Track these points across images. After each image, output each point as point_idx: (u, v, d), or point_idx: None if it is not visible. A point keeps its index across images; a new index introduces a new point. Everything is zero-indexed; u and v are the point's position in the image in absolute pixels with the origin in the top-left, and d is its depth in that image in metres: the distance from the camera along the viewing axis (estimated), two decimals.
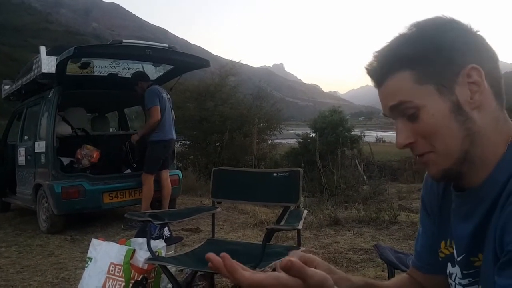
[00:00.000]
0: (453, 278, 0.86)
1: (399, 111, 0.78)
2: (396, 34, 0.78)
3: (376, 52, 0.80)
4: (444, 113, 0.74)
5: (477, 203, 0.77)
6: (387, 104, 0.80)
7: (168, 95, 5.37)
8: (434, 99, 0.75)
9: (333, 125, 12.08)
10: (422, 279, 0.99)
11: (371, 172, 9.26)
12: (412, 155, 0.82)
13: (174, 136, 5.41)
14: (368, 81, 0.82)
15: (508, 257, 0.64)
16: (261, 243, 2.24)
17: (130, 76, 5.87)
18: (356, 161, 9.22)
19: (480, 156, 0.75)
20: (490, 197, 0.73)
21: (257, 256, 2.18)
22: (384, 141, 30.65)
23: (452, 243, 0.87)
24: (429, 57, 0.74)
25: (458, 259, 0.83)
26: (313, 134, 12.41)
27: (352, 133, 12.86)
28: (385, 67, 0.78)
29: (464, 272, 0.82)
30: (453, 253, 0.86)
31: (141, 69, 5.67)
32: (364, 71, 0.83)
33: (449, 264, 0.88)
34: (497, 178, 0.73)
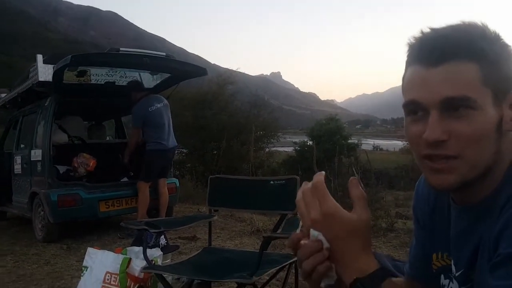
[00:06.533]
0: None
1: (451, 105, 0.70)
2: (479, 23, 0.72)
3: (450, 26, 0.72)
4: (491, 123, 0.71)
5: (476, 220, 0.76)
6: (441, 92, 0.70)
7: (165, 102, 5.33)
8: (490, 106, 0.70)
9: (330, 133, 12.10)
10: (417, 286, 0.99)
11: (368, 179, 9.27)
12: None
13: (173, 144, 5.37)
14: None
15: (500, 258, 0.64)
16: (258, 251, 2.23)
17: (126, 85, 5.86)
18: (353, 169, 9.21)
19: (493, 175, 0.75)
20: (489, 215, 0.73)
21: (254, 264, 2.17)
22: (381, 149, 30.74)
23: (444, 256, 0.86)
24: (499, 62, 0.71)
25: (457, 274, 0.82)
26: (310, 142, 12.42)
27: (349, 141, 12.89)
28: (455, 47, 0.70)
29: (463, 287, 0.81)
30: (446, 265, 0.86)
31: (138, 78, 5.66)
32: (406, 47, 0.76)
33: (442, 276, 0.88)
34: (497, 197, 0.72)
